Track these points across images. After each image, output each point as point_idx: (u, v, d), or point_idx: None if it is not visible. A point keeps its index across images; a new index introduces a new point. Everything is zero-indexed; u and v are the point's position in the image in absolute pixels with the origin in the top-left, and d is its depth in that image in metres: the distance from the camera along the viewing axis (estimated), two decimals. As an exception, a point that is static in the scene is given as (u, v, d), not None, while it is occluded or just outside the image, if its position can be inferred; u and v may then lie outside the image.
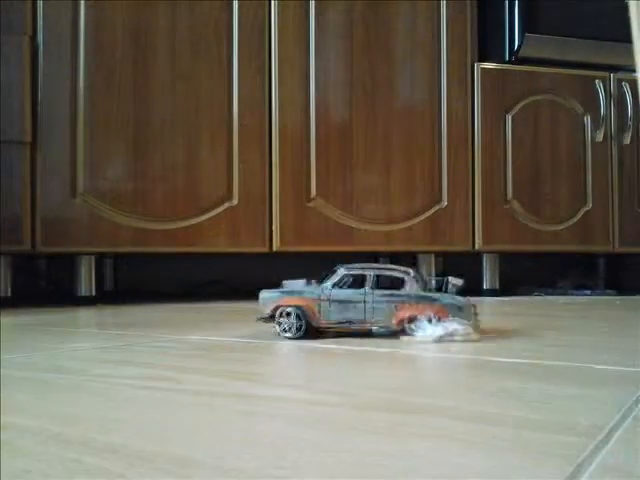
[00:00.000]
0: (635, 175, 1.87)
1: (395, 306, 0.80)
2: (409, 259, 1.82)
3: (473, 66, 1.75)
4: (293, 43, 1.62)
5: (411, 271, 0.83)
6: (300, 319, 0.81)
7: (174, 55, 1.53)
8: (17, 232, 1.41)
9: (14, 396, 0.51)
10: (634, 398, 0.48)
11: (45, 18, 1.45)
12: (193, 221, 1.54)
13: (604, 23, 1.78)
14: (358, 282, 0.82)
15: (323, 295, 0.81)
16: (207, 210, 1.55)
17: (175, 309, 1.40)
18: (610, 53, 1.83)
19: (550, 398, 0.50)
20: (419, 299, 0.80)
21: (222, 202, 1.56)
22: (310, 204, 1.62)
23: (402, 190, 1.69)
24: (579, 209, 1.82)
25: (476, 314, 0.82)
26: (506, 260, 1.84)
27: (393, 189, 1.68)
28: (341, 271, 0.83)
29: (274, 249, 1.59)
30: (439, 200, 1.72)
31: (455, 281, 0.82)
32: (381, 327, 0.81)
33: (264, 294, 0.84)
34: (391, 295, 0.80)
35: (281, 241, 1.59)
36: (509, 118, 1.78)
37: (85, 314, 1.33)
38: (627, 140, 1.85)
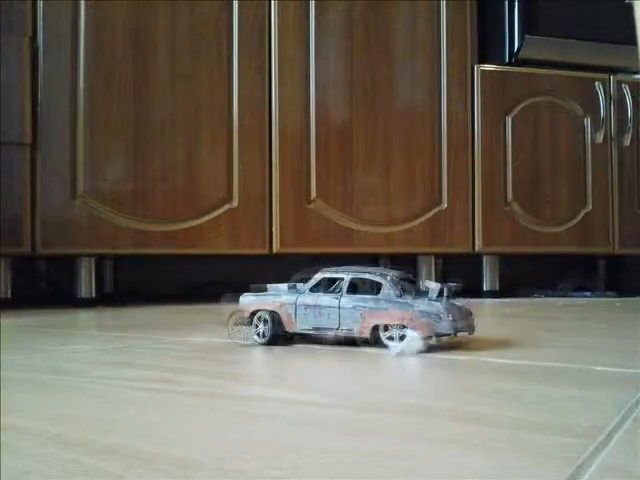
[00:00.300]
0: (635, 177, 1.87)
1: (361, 313, 0.73)
2: (410, 261, 1.81)
3: (473, 68, 1.75)
4: (293, 43, 1.62)
5: (389, 274, 0.76)
6: (275, 324, 0.77)
7: (174, 55, 1.53)
8: (17, 233, 1.41)
9: (14, 397, 0.51)
10: (634, 399, 0.48)
11: (45, 18, 1.45)
12: (193, 222, 1.54)
13: (604, 25, 1.78)
14: (335, 286, 0.77)
15: (298, 300, 0.77)
16: (207, 211, 1.55)
17: (175, 311, 1.40)
18: (610, 55, 1.83)
19: (549, 399, 0.50)
20: (390, 305, 0.73)
21: (222, 204, 1.56)
22: (310, 205, 1.62)
23: (402, 191, 1.69)
24: (579, 211, 1.82)
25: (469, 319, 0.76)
26: (506, 262, 1.84)
27: (393, 190, 1.68)
28: (319, 274, 0.78)
29: (274, 251, 1.59)
30: (439, 202, 1.72)
31: (433, 285, 0.74)
32: (350, 335, 0.74)
33: (242, 298, 0.80)
34: (360, 300, 0.74)
35: (281, 243, 1.59)
36: (509, 120, 1.78)
37: (85, 316, 1.33)
38: (627, 142, 1.85)
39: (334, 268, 0.78)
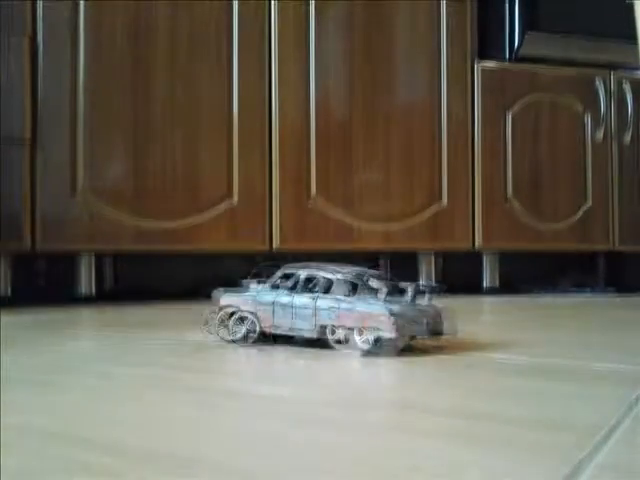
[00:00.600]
0: (635, 174, 1.87)
1: (310, 312, 0.70)
2: (410, 258, 1.81)
3: (473, 64, 1.75)
4: (293, 42, 1.61)
5: (342, 272, 0.71)
6: (242, 323, 0.75)
7: (174, 53, 1.53)
8: (17, 230, 1.41)
9: (14, 395, 0.51)
10: (634, 397, 0.48)
11: (45, 17, 1.45)
12: (193, 220, 1.54)
13: (604, 21, 1.77)
14: (295, 283, 0.73)
15: (258, 298, 0.74)
16: (207, 209, 1.55)
17: (175, 308, 1.40)
18: (610, 51, 1.82)
19: (549, 396, 0.50)
20: (348, 306, 0.69)
21: (222, 201, 1.56)
22: (310, 203, 1.62)
23: (402, 189, 1.69)
24: (579, 208, 1.82)
25: (441, 321, 0.70)
26: (506, 259, 1.84)
27: (393, 188, 1.68)
28: (280, 271, 0.75)
29: (274, 248, 1.59)
30: (439, 199, 1.72)
31: (376, 284, 0.69)
32: (301, 335, 0.72)
33: (215, 294, 0.79)
34: (310, 299, 0.70)
35: (281, 240, 1.59)
36: (509, 117, 1.77)
37: (85, 313, 1.33)
38: (627, 139, 1.85)
39: (295, 264, 0.75)
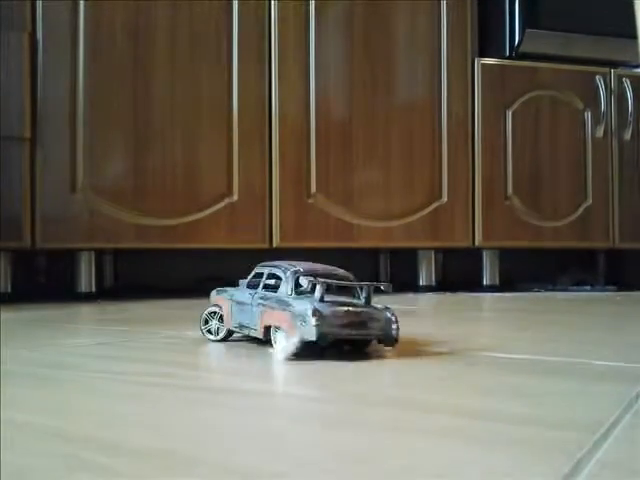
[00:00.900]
0: (635, 171, 1.87)
1: (261, 311, 0.68)
2: (410, 255, 1.81)
3: (473, 61, 1.75)
4: (293, 40, 1.61)
5: (291, 270, 0.67)
6: (218, 321, 0.75)
7: (174, 51, 1.53)
8: (17, 228, 1.41)
9: (14, 392, 0.51)
10: (634, 394, 0.48)
11: (44, 14, 1.44)
12: (193, 217, 1.54)
13: (605, 18, 1.77)
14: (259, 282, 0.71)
15: (233, 296, 0.73)
16: (207, 206, 1.55)
17: (175, 305, 1.40)
18: (611, 49, 1.82)
19: (549, 394, 0.50)
20: (277, 305, 0.66)
21: (222, 198, 1.56)
22: (310, 200, 1.62)
23: (402, 186, 1.69)
24: (579, 205, 1.82)
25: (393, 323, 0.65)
26: (506, 256, 1.84)
27: (393, 185, 1.68)
28: (255, 269, 0.73)
29: (274, 245, 1.59)
30: (439, 196, 1.72)
31: (305, 282, 0.64)
32: (255, 335, 0.69)
33: (211, 292, 0.79)
34: (262, 298, 0.68)
35: (281, 237, 1.59)
36: (509, 114, 1.77)
37: (85, 310, 1.33)
38: (627, 136, 1.85)
39: (266, 263, 0.73)
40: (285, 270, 0.68)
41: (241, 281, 0.77)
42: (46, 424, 0.41)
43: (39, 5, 1.44)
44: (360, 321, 0.64)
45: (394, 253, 1.98)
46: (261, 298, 0.68)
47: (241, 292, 0.73)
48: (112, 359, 0.68)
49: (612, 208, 1.84)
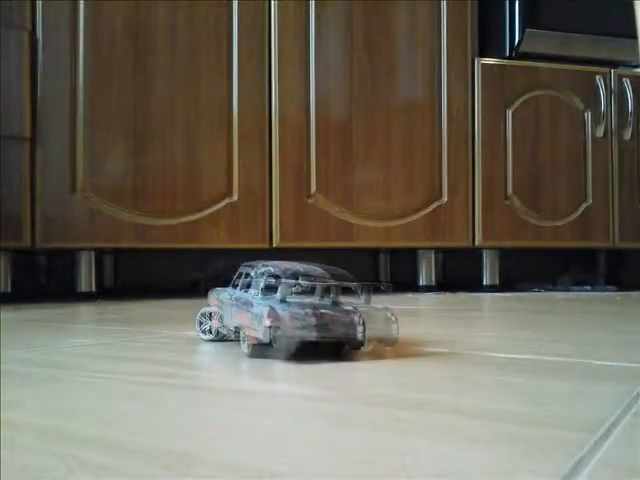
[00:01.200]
0: (635, 171, 1.87)
1: (232, 312, 0.67)
2: (410, 255, 1.81)
3: (473, 61, 1.75)
4: (293, 38, 1.61)
5: (261, 269, 0.66)
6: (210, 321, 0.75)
7: (174, 49, 1.53)
8: (17, 227, 1.41)
9: (14, 392, 0.51)
10: (634, 393, 0.48)
11: (44, 13, 1.44)
12: (193, 217, 1.54)
13: (605, 18, 1.77)
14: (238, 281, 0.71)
15: (219, 296, 0.73)
16: (207, 206, 1.55)
17: (175, 305, 1.40)
18: (611, 49, 1.82)
19: (549, 393, 0.50)
20: (244, 306, 0.64)
21: (222, 198, 1.56)
22: (310, 200, 1.62)
23: (402, 186, 1.69)
24: (579, 205, 1.82)
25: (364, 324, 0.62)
26: (506, 256, 1.84)
27: (393, 185, 1.68)
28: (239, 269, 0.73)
29: (274, 245, 1.59)
30: (439, 196, 1.72)
31: (276, 282, 0.63)
32: (231, 335, 0.69)
33: (209, 293, 0.78)
34: (235, 298, 0.67)
35: (281, 237, 1.59)
36: (509, 113, 1.77)
37: (85, 310, 1.33)
38: (627, 136, 1.85)
39: (249, 262, 0.72)
40: (256, 270, 0.67)
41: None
42: (45, 424, 0.41)
43: (39, 4, 1.44)
44: (322, 323, 0.60)
45: (394, 253, 1.98)
46: (236, 299, 0.67)
47: (226, 293, 0.73)
48: (112, 359, 0.68)
49: (612, 208, 1.84)
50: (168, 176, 1.53)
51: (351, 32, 1.66)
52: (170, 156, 1.53)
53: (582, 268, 1.98)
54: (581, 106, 1.83)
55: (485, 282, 1.80)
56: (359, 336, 0.62)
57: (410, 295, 1.66)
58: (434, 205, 1.71)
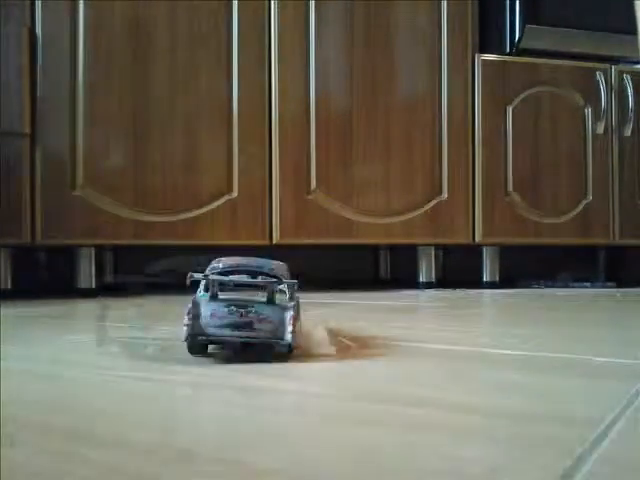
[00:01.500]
0: (636, 167, 1.86)
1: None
2: (410, 252, 1.81)
3: (474, 57, 1.74)
4: (293, 35, 1.61)
5: (209, 266, 0.66)
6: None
7: (174, 46, 1.53)
8: (16, 224, 1.41)
9: (14, 388, 0.51)
10: (634, 390, 0.48)
11: (44, 9, 1.44)
12: (193, 213, 1.54)
13: (605, 14, 1.77)
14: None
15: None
16: (207, 202, 1.55)
17: (175, 301, 1.40)
18: (611, 44, 1.82)
19: (549, 390, 0.50)
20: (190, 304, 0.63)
21: (222, 195, 1.56)
22: (310, 196, 1.62)
23: (402, 182, 1.69)
24: (579, 201, 1.82)
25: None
26: (506, 252, 1.84)
27: (393, 181, 1.68)
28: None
29: (274, 241, 1.59)
30: (439, 192, 1.71)
31: (197, 276, 0.61)
32: None
33: None
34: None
35: (281, 234, 1.59)
36: (509, 110, 1.77)
37: (85, 306, 1.33)
38: (628, 132, 1.85)
39: (218, 259, 0.70)
40: (209, 267, 0.65)
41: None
42: (45, 420, 0.41)
43: (38, 2, 1.43)
44: (245, 322, 0.58)
45: (394, 249, 1.98)
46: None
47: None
48: (112, 355, 0.68)
49: (612, 204, 1.84)
50: (168, 172, 1.52)
51: (351, 29, 1.66)
52: (170, 152, 1.53)
53: (582, 265, 1.98)
54: (581, 102, 1.82)
55: (485, 279, 1.80)
56: (287, 337, 0.59)
57: (410, 292, 1.66)
58: (434, 202, 1.71)
